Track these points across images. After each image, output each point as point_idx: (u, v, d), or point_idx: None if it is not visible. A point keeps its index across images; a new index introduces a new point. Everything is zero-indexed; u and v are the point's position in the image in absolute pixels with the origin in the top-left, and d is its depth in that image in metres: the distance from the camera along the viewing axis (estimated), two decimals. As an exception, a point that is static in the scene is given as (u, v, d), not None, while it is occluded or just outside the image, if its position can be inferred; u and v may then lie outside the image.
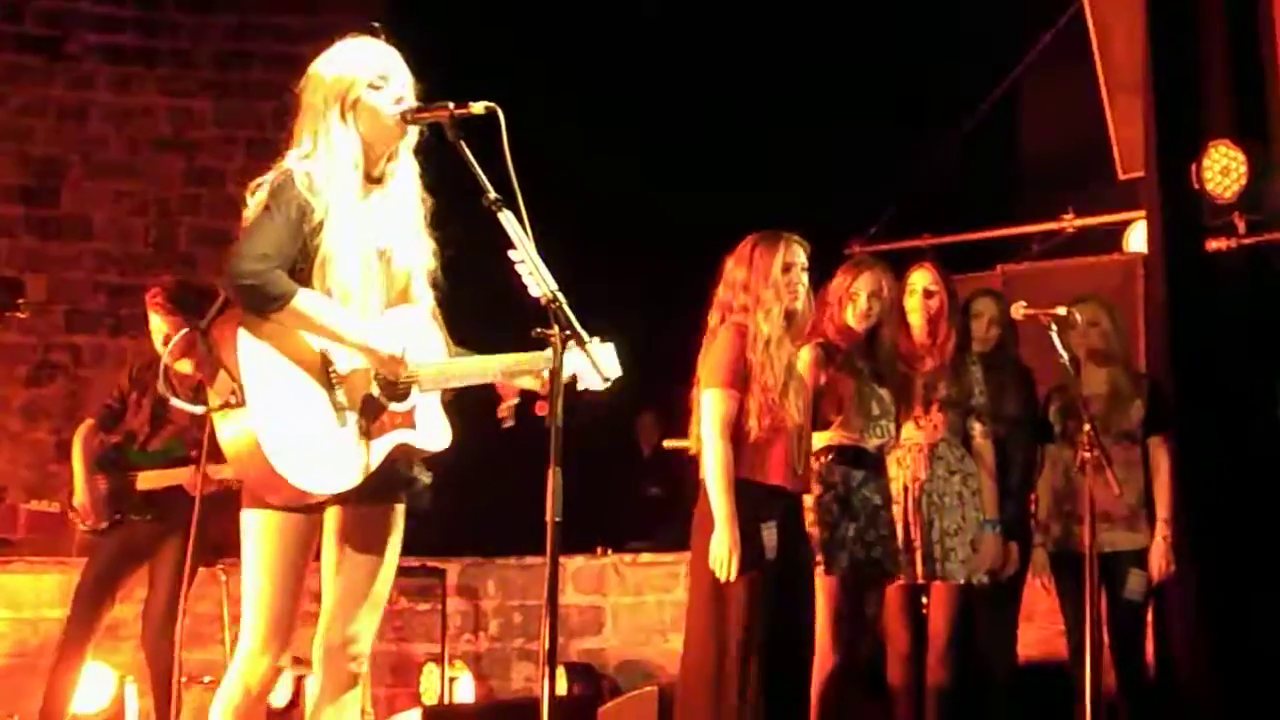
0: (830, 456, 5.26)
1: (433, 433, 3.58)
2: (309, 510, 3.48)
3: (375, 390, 3.47)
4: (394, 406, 3.48)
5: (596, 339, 3.47)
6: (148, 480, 5.98)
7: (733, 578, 4.71)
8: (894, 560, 5.31)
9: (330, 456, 3.36)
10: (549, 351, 3.25)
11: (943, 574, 5.45)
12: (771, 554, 4.80)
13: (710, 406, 4.85)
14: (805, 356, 5.20)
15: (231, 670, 3.56)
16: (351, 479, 3.39)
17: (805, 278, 4.99)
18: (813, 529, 5.15)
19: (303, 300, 3.32)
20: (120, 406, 6.16)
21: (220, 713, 3.53)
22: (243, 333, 3.30)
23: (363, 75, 3.51)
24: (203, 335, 3.37)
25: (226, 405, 3.29)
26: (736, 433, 4.85)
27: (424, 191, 3.66)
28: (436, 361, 3.60)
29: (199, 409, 3.45)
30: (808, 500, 5.14)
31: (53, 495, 7.19)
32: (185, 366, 5.77)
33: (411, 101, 3.53)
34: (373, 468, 3.43)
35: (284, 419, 3.30)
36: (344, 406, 3.40)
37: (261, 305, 3.30)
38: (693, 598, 4.97)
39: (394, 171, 3.60)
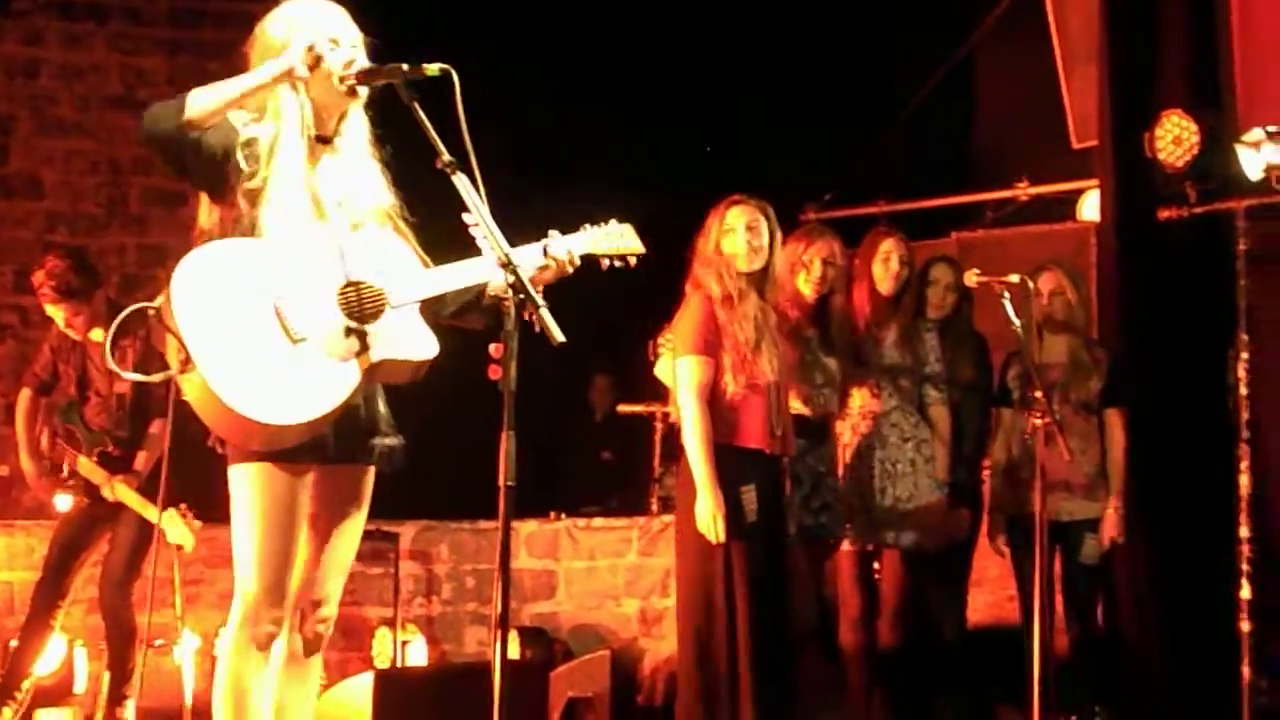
0: None
1: (418, 343, 3.55)
2: (294, 459, 3.45)
3: (340, 314, 3.44)
4: (370, 328, 3.46)
5: (613, 220, 3.81)
6: (86, 468, 5.98)
7: (722, 539, 4.74)
8: (840, 525, 5.33)
9: (297, 386, 3.34)
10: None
11: (895, 540, 5.48)
12: (752, 517, 4.83)
13: (685, 373, 4.88)
14: None
15: (231, 629, 3.54)
16: (328, 404, 3.37)
17: (754, 236, 4.98)
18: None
19: (196, 93, 3.33)
20: (51, 377, 6.16)
21: (226, 674, 3.51)
22: (176, 290, 3.28)
23: (315, 36, 3.48)
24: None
25: (182, 370, 3.28)
26: (713, 397, 4.86)
27: (380, 149, 3.65)
28: (404, 276, 3.56)
29: (153, 378, 3.44)
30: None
31: (1, 459, 7.14)
32: (98, 335, 5.82)
33: (363, 62, 3.51)
34: (352, 389, 3.42)
35: (232, 362, 3.28)
36: (301, 336, 3.37)
37: (167, 124, 3.33)
38: (680, 562, 5.00)
39: (344, 131, 3.59)
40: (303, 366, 3.37)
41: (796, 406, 5.25)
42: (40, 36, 8.44)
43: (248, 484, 3.47)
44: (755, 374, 4.87)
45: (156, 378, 3.42)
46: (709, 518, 4.74)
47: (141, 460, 5.99)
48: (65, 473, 6.06)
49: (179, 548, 5.84)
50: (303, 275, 3.43)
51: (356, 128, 3.61)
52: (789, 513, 5.14)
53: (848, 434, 5.54)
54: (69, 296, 5.93)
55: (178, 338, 3.27)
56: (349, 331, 3.44)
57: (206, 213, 3.53)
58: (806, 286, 5.34)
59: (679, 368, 4.92)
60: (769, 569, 4.87)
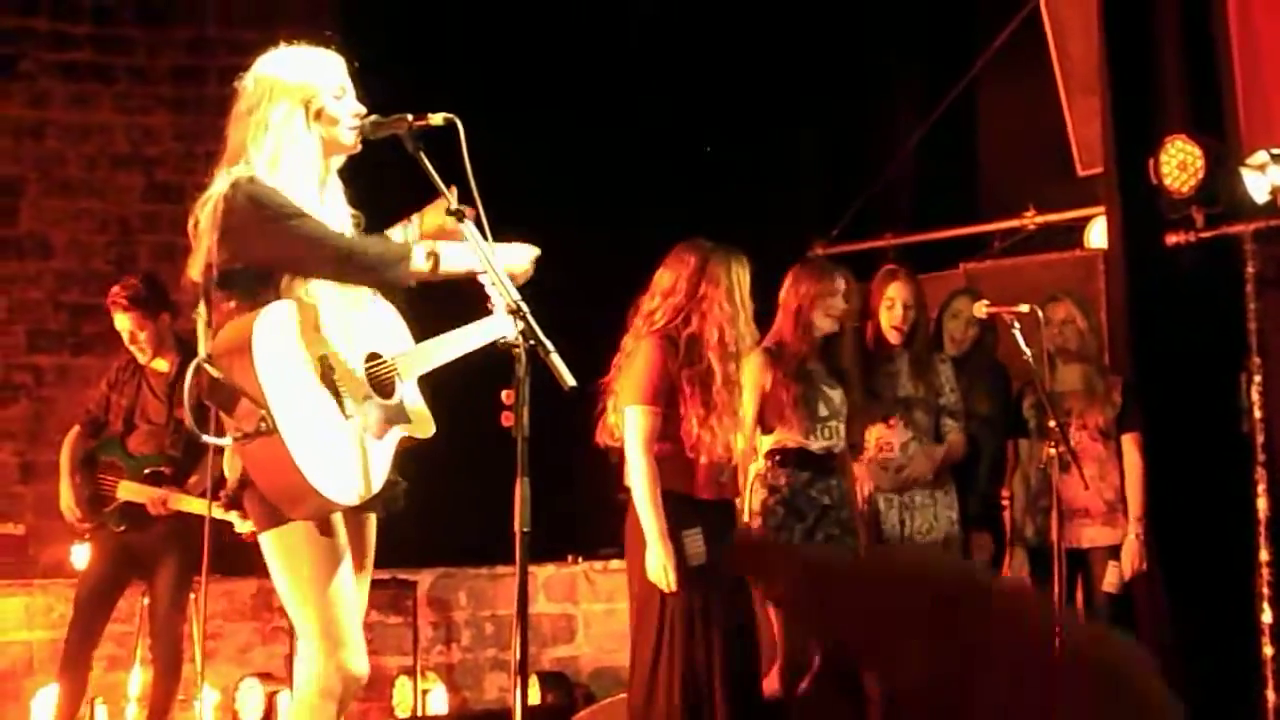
0: (774, 460, 5.26)
1: (423, 420, 3.58)
2: (326, 520, 3.44)
3: (370, 389, 3.45)
4: (385, 403, 3.47)
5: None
6: (128, 491, 5.95)
7: (674, 588, 4.72)
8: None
9: (351, 464, 3.34)
10: (504, 317, 3.29)
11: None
12: (697, 560, 4.81)
13: (633, 423, 4.83)
14: (753, 362, 5.23)
15: (302, 690, 3.49)
16: (374, 484, 3.38)
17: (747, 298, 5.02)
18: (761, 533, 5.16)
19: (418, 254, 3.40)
20: (103, 414, 6.16)
21: None
22: (258, 353, 3.22)
23: (326, 85, 3.50)
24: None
25: (257, 433, 3.21)
26: (660, 446, 4.84)
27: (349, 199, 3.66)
28: (409, 349, 3.59)
29: (226, 440, 3.32)
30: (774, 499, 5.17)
31: (17, 518, 7.14)
32: (161, 365, 5.85)
33: (361, 107, 3.53)
34: (387, 471, 3.43)
35: (310, 432, 3.25)
36: (352, 413, 3.37)
37: (400, 274, 3.39)
38: (632, 609, 4.99)
39: (329, 183, 3.60)
40: (354, 443, 3.35)
41: (796, 439, 5.23)
42: (46, 98, 8.49)
43: (288, 545, 3.42)
44: (718, 429, 4.85)
45: (228, 441, 3.29)
46: (660, 569, 4.73)
47: (193, 483, 5.96)
48: (108, 503, 6.00)
49: (193, 596, 5.84)
50: (340, 345, 3.42)
51: (336, 181, 3.61)
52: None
53: (868, 468, 5.54)
54: (136, 305, 6.00)
55: (256, 400, 3.20)
56: (379, 407, 3.45)
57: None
58: (825, 322, 5.33)
59: (627, 416, 4.87)
60: (721, 611, 4.83)
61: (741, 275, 4.97)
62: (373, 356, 3.50)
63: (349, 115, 3.50)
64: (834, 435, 5.33)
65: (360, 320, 3.52)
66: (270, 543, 3.45)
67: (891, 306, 5.59)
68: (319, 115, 3.48)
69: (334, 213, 3.56)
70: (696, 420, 4.82)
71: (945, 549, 5.49)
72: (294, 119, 3.46)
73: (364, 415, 3.40)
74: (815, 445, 5.27)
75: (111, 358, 6.27)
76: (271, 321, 3.29)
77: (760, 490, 5.22)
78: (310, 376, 3.31)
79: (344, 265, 3.37)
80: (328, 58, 3.58)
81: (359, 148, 3.54)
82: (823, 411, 5.30)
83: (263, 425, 3.19)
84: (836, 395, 5.34)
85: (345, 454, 3.33)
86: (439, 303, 3.64)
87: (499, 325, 3.46)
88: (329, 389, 3.34)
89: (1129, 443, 5.75)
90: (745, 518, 5.26)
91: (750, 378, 5.25)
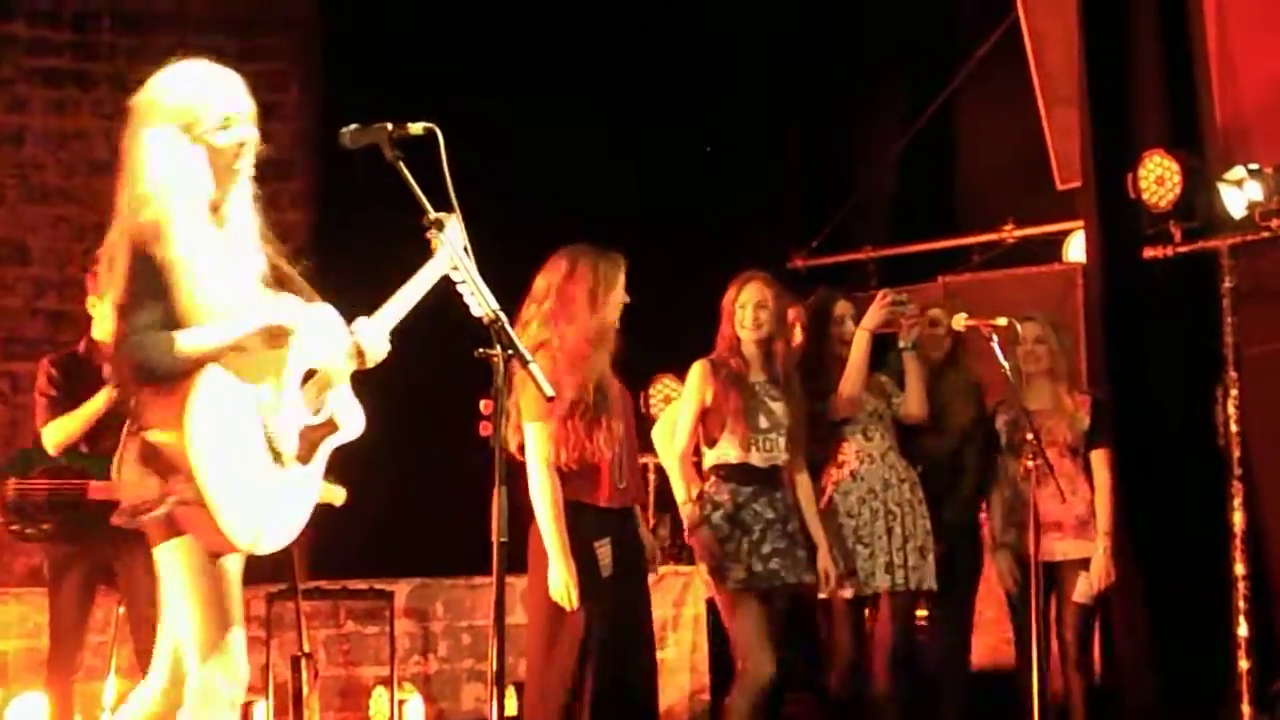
0: (717, 476, 5.24)
1: (353, 421, 3.55)
2: None
3: (307, 415, 3.43)
4: (315, 420, 3.45)
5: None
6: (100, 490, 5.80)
7: (576, 605, 4.67)
8: (795, 570, 5.23)
9: (276, 510, 3.34)
10: (437, 259, 3.31)
11: (901, 581, 5.46)
12: (608, 571, 4.77)
13: (532, 440, 4.72)
14: (694, 372, 5.22)
15: (144, 704, 3.48)
16: (299, 524, 3.39)
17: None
18: (707, 549, 5.13)
19: (183, 341, 3.25)
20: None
21: None
22: (195, 434, 3.19)
23: (214, 110, 3.43)
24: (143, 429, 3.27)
25: (185, 502, 3.22)
26: (561, 459, 4.74)
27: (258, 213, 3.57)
28: (345, 343, 3.50)
29: (158, 513, 3.28)
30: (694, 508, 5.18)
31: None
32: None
33: (253, 133, 3.47)
34: (315, 500, 3.43)
35: (241, 499, 3.25)
36: (279, 450, 3.35)
37: (161, 373, 3.24)
38: (532, 623, 4.89)
39: (228, 197, 3.49)
40: (282, 484, 3.36)
41: (738, 453, 5.22)
42: (25, 104, 8.47)
43: (188, 562, 3.36)
44: (609, 431, 4.80)
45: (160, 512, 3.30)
46: (563, 586, 4.68)
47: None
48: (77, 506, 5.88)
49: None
50: (269, 383, 3.38)
51: (242, 190, 3.50)
52: (726, 563, 5.11)
53: (846, 480, 5.54)
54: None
55: (189, 474, 3.19)
56: (310, 429, 3.44)
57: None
58: (743, 332, 5.33)
59: (527, 433, 4.75)
60: (624, 617, 4.81)
61: (610, 273, 4.88)
62: (309, 375, 3.46)
63: (234, 141, 3.43)
64: (774, 447, 5.29)
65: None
66: (166, 555, 3.39)
67: (840, 323, 5.64)
68: (202, 139, 3.40)
69: (230, 230, 3.48)
70: (584, 427, 4.77)
71: (922, 557, 5.48)
72: (176, 144, 3.38)
73: (299, 441, 3.40)
74: (757, 459, 5.25)
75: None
76: (207, 395, 3.25)
77: (705, 506, 5.19)
78: (240, 413, 3.30)
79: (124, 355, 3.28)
80: (215, 78, 3.52)
81: (245, 173, 3.47)
82: (763, 424, 5.27)
83: (191, 495, 3.20)
84: (779, 407, 5.31)
85: (272, 499, 3.33)
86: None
87: (437, 265, 3.45)
88: (262, 434, 3.33)
89: (1098, 459, 5.76)
90: (686, 524, 5.24)
91: (691, 387, 5.26)
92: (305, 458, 3.42)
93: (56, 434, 5.65)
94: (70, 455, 5.81)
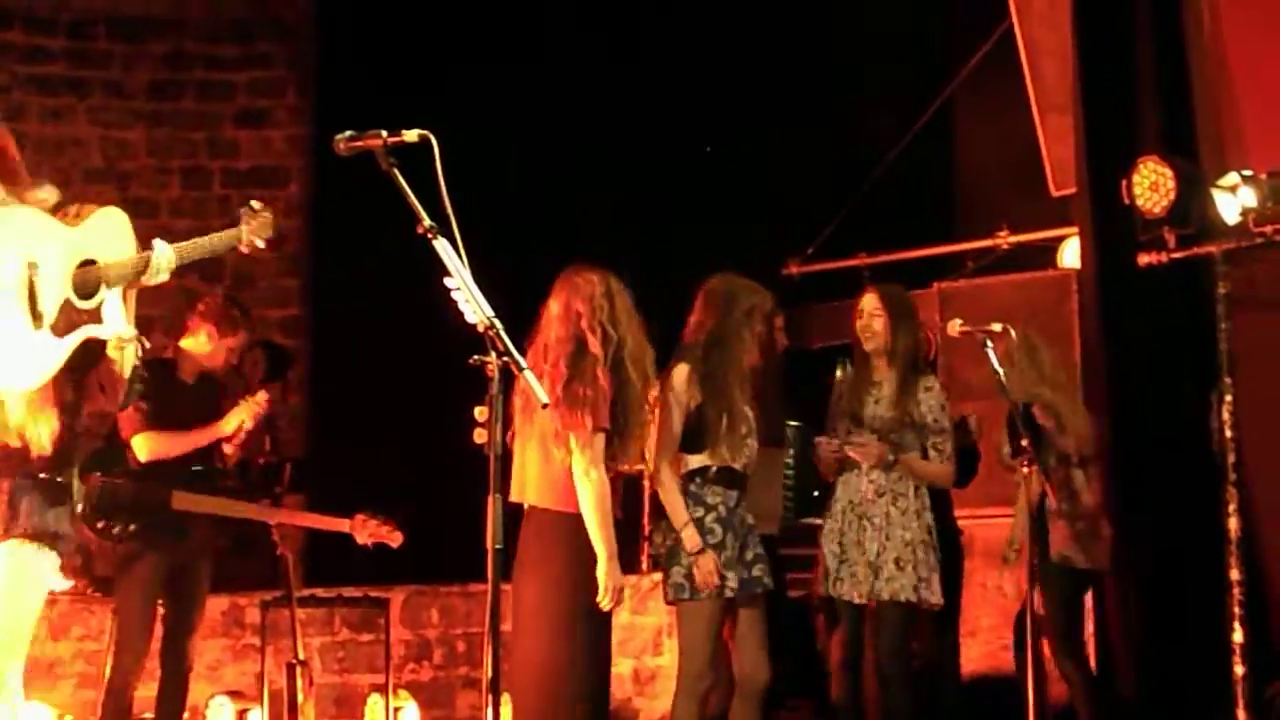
0: (708, 478, 5.21)
1: (115, 322, 3.78)
2: None
3: (70, 293, 3.68)
4: (81, 304, 3.71)
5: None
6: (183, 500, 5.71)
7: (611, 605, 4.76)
8: (773, 577, 5.26)
9: (16, 355, 3.60)
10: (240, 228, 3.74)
11: (874, 593, 5.46)
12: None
13: (600, 448, 4.76)
14: (680, 375, 5.20)
15: None
16: (38, 375, 3.64)
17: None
18: (697, 552, 5.12)
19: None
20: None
21: None
22: None
23: None
24: None
25: None
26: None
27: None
28: (118, 259, 3.82)
29: None
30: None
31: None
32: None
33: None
34: (60, 362, 3.66)
35: None
36: (43, 313, 3.61)
37: None
38: (556, 626, 4.82)
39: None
40: (31, 339, 3.63)
41: (723, 458, 5.20)
42: (21, 111, 8.47)
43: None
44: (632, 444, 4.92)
45: None
46: (617, 588, 4.75)
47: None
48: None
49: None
50: (48, 254, 3.67)
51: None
52: (722, 568, 5.10)
53: (841, 490, 5.56)
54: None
55: None
56: (69, 305, 3.69)
57: None
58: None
59: (596, 441, 4.76)
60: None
61: (612, 287, 4.93)
62: (86, 262, 3.75)
63: None
64: (751, 454, 5.29)
65: (92, 225, 3.80)
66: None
67: (858, 315, 5.62)
68: None
69: (20, 216, 3.77)
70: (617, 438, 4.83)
71: (898, 568, 5.47)
72: None
73: (60, 314, 3.67)
74: (739, 464, 5.24)
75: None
76: None
77: (694, 509, 5.15)
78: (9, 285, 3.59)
79: None
80: None
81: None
82: (743, 430, 5.26)
83: None
84: (750, 413, 5.32)
85: (16, 346, 3.61)
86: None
87: (238, 232, 3.89)
88: (24, 293, 3.61)
89: (1084, 467, 5.78)
90: (687, 546, 5.15)
91: (676, 392, 5.20)
92: (60, 332, 3.67)
93: (154, 446, 5.68)
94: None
